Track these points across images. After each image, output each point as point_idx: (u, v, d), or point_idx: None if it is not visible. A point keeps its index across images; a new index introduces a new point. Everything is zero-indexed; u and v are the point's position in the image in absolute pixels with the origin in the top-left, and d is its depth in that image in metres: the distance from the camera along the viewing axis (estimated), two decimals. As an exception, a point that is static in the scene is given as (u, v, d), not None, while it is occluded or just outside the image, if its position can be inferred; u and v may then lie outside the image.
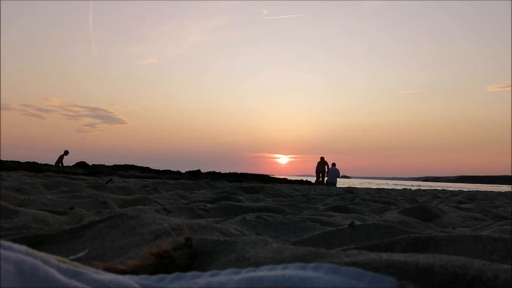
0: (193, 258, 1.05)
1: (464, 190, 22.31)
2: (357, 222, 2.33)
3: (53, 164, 21.59)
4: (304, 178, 33.23)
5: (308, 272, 0.68)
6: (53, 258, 0.66)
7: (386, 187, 22.38)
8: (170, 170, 27.42)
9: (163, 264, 0.95)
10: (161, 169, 27.89)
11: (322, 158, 22.52)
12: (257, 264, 0.90)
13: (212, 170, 29.66)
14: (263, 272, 0.69)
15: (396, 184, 44.13)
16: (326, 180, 22.62)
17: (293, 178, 30.18)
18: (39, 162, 25.84)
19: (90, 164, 28.50)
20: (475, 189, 26.28)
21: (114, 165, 29.44)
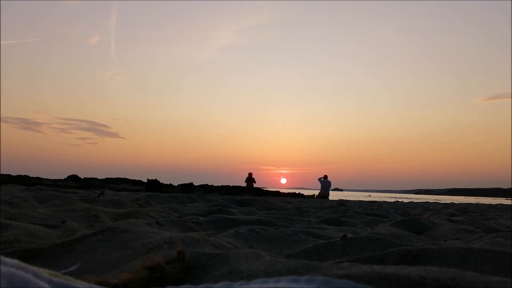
0: (185, 271, 1.05)
1: (455, 202, 22.37)
2: (349, 235, 2.34)
3: (45, 177, 21.48)
4: (297, 191, 33.19)
5: (300, 285, 0.68)
6: (45, 272, 0.66)
7: (378, 200, 22.44)
8: (162, 183, 27.24)
9: (155, 277, 0.95)
10: (153, 182, 27.72)
11: (250, 174, 26.15)
12: (250, 277, 0.90)
13: (204, 183, 29.53)
14: (256, 285, 0.69)
15: (388, 197, 44.18)
16: (319, 193, 22.68)
17: (286, 191, 30.17)
18: (31, 176, 25.67)
19: (82, 177, 28.32)
20: (466, 202, 26.36)
21: (106, 178, 29.27)
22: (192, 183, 26.89)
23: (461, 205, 16.03)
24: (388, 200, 24.64)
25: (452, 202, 22.23)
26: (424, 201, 26.28)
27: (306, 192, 28.90)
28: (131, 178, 29.47)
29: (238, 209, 6.42)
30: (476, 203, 21.46)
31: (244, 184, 26.05)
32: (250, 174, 26.45)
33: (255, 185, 26.67)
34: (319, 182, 23.03)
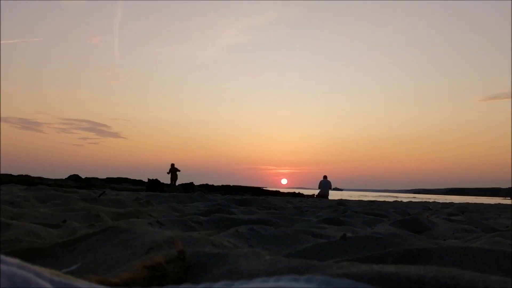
0: (186, 271, 1.05)
1: (454, 202, 22.38)
2: (349, 234, 2.34)
3: (46, 177, 21.54)
4: (297, 191, 33.23)
5: (300, 284, 0.68)
6: (46, 271, 0.67)
7: (378, 200, 22.44)
8: (162, 183, 27.29)
9: (156, 277, 0.95)
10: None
11: (172, 165, 24.32)
12: (250, 276, 0.90)
13: (205, 183, 29.58)
14: (256, 284, 0.70)
15: (387, 196, 44.20)
16: (319, 193, 22.67)
17: (286, 190, 30.23)
18: (32, 175, 25.72)
19: (83, 177, 28.38)
20: (465, 202, 26.37)
21: (107, 178, 29.33)
22: (192, 182, 26.91)
23: (460, 204, 16.03)
24: (387, 199, 24.65)
25: (451, 202, 22.25)
26: (423, 200, 26.30)
27: (306, 192, 28.92)
28: (132, 178, 29.53)
29: (238, 208, 6.42)
30: (475, 203, 21.47)
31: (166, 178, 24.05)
32: (172, 164, 24.37)
33: (179, 174, 24.60)
34: (319, 185, 22.94)
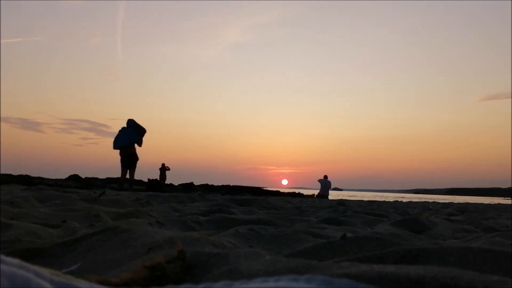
0: (186, 270, 1.05)
1: (454, 202, 22.38)
2: (349, 235, 2.34)
3: (46, 177, 21.57)
4: (297, 191, 33.25)
5: (300, 284, 0.68)
6: (46, 271, 0.67)
7: (377, 200, 22.43)
8: (162, 183, 27.34)
9: (156, 277, 0.95)
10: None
11: (163, 165, 24.35)
12: (250, 276, 0.90)
13: (205, 183, 29.62)
14: (256, 284, 0.70)
15: (387, 197, 44.26)
16: (319, 193, 22.69)
17: (286, 190, 30.25)
18: (32, 175, 25.75)
19: (83, 177, 28.40)
20: (465, 202, 26.38)
21: (107, 178, 29.31)
22: (192, 182, 26.95)
23: (460, 204, 16.03)
24: (387, 200, 24.65)
25: (451, 202, 22.25)
26: (423, 200, 26.30)
27: (306, 192, 28.94)
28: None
29: (238, 208, 6.41)
30: (475, 203, 21.49)
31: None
32: (163, 164, 24.30)
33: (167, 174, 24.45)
34: (319, 183, 23.02)
